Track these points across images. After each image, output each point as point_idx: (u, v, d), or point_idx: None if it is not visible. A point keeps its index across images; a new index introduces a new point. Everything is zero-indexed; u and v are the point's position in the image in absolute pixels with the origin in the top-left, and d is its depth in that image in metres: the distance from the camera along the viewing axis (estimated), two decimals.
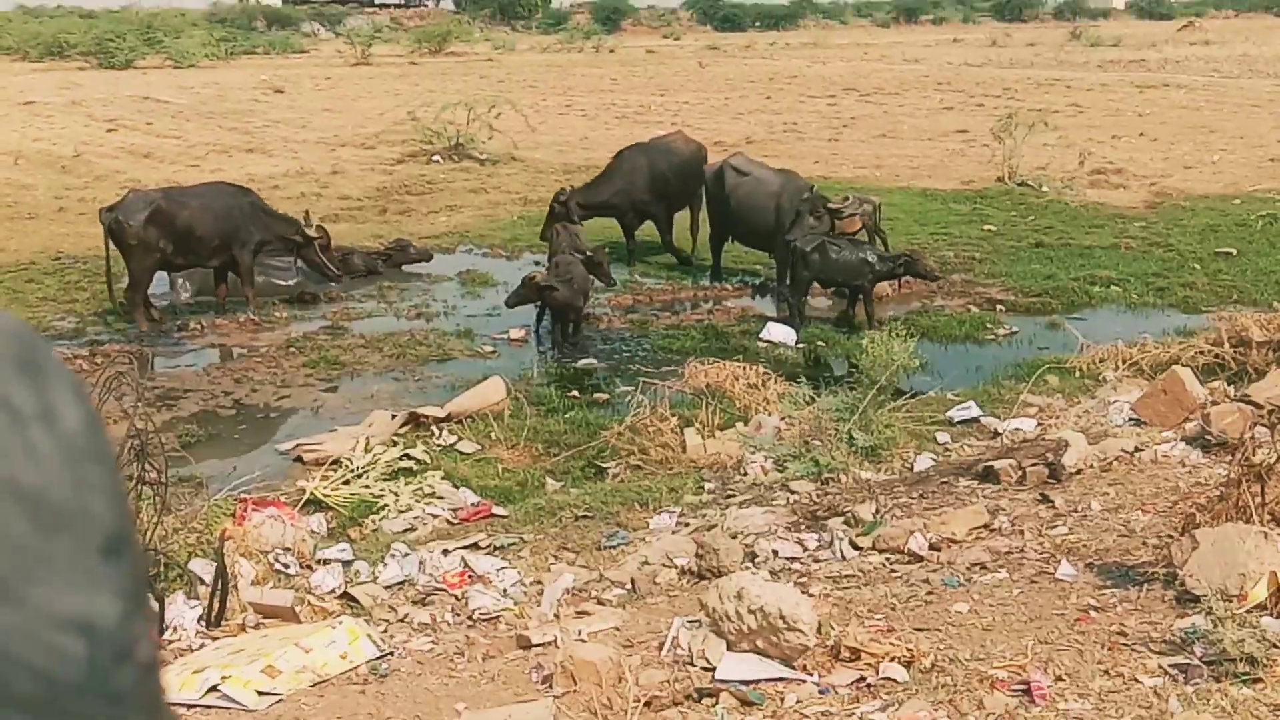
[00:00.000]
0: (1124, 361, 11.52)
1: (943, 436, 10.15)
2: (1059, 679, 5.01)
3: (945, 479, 8.65)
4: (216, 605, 6.91)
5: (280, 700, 5.60)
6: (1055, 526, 7.18)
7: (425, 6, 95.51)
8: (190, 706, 5.61)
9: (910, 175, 22.02)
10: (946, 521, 7.42)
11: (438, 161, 25.05)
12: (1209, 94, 34.73)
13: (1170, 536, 6.33)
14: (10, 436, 0.44)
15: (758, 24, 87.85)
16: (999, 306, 14.76)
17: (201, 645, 6.52)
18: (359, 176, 24.02)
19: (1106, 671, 5.06)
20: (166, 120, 31.92)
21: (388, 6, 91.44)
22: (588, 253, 13.87)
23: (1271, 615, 5.26)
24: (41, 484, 0.43)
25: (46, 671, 0.40)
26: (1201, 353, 11.33)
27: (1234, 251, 16.84)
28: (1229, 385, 10.22)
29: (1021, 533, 7.15)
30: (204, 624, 6.88)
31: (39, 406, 0.46)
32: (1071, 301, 14.89)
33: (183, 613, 6.95)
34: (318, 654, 5.93)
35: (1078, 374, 11.50)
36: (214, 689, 5.71)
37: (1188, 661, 5.05)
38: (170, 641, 6.63)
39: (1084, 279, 15.66)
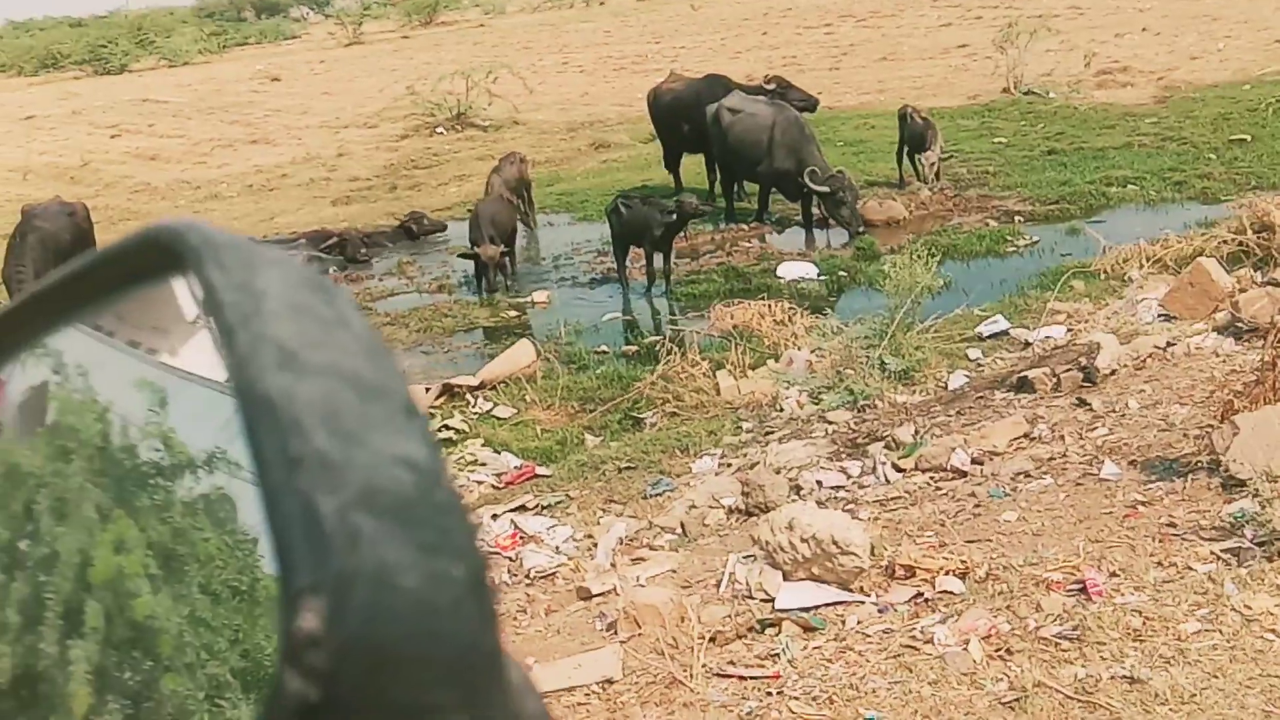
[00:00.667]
0: (1148, 259, 11.50)
1: (974, 353, 10.18)
2: (1113, 575, 5.07)
3: (981, 394, 8.69)
4: None
5: None
6: (1095, 429, 7.21)
7: None
8: None
9: (914, 96, 21.84)
10: (986, 435, 7.46)
11: (441, 133, 25.04)
12: None
13: (1210, 425, 6.36)
14: (325, 336, 0.57)
15: None
16: (1017, 218, 14.72)
17: None
18: (365, 156, 24.05)
19: (1160, 563, 5.12)
20: (168, 120, 31.96)
21: None
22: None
23: None
24: (355, 367, 0.56)
25: (392, 490, 0.53)
26: (1225, 242, 11.30)
27: (1248, 138, 16.71)
28: (1255, 271, 10.20)
29: (1062, 438, 7.18)
30: None
31: (336, 315, 0.59)
32: (1089, 205, 14.84)
33: None
34: None
35: (1103, 276, 11.49)
36: None
37: (1239, 545, 5.10)
38: None
39: (1100, 181, 15.60)
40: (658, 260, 13.58)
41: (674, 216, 13.29)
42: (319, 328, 0.58)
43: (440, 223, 17.24)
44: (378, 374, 0.57)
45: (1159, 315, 9.56)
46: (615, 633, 5.27)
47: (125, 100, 36.71)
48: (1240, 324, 8.44)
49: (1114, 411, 7.44)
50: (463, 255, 14.34)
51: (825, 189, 14.60)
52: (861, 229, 14.57)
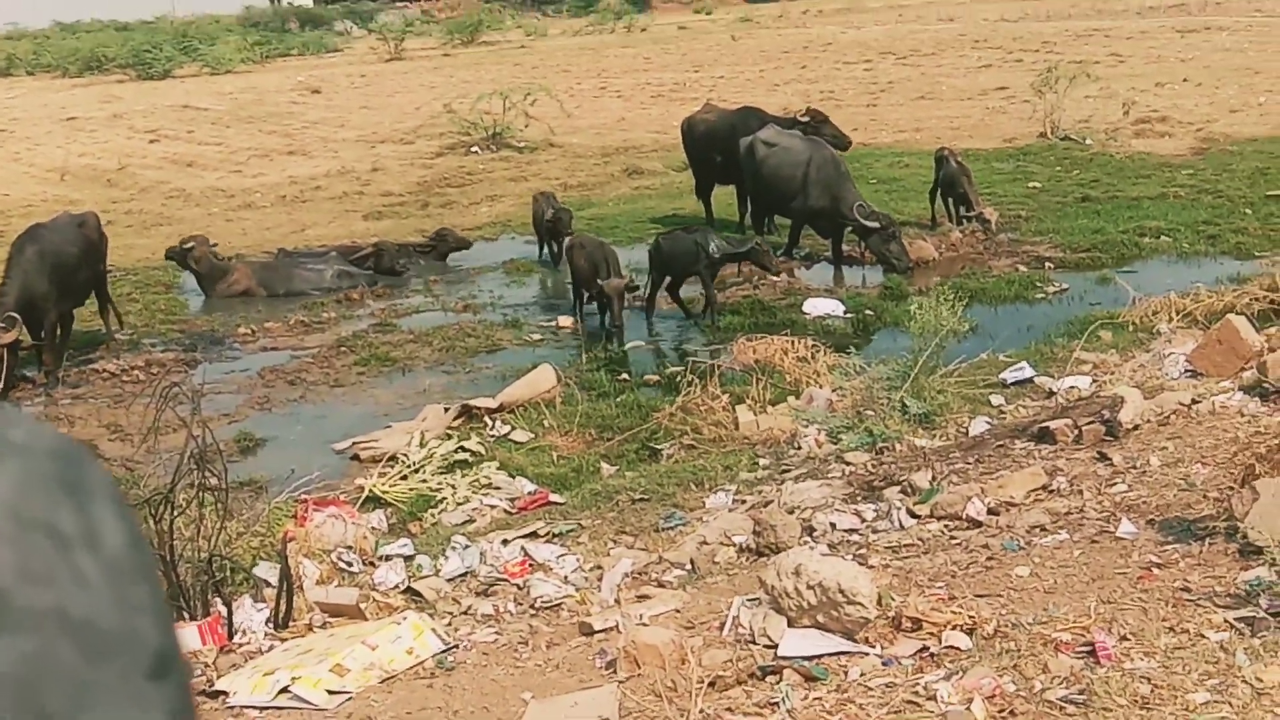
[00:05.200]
0: (1177, 312, 11.39)
1: (997, 399, 10.08)
2: (1124, 638, 4.97)
3: (1001, 442, 8.59)
4: (283, 606, 7.00)
5: (350, 698, 5.67)
6: (1114, 484, 7.11)
7: None
8: (262, 709, 5.70)
9: (951, 136, 21.81)
10: (1004, 485, 7.37)
11: (476, 152, 25.11)
12: (1253, 34, 34.09)
13: (1231, 488, 6.25)
14: (57, 564, 0.43)
15: None
16: (1048, 264, 14.64)
17: (270, 647, 6.60)
18: (399, 172, 24.13)
19: (1172, 628, 5.01)
20: (207, 128, 32.18)
21: None
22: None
23: None
24: (89, 611, 0.43)
25: None
26: (1256, 299, 11.21)
27: None
28: None
29: (1080, 492, 7.09)
30: (272, 626, 6.97)
31: (83, 528, 0.45)
32: (1121, 254, 14.74)
33: (250, 616, 7.05)
34: (384, 650, 6.00)
35: (1131, 328, 11.40)
36: (285, 690, 5.80)
37: (1254, 614, 4.99)
38: (239, 645, 6.73)
39: (1133, 231, 15.50)
40: (684, 291, 13.56)
41: (719, 256, 13.28)
42: (50, 552, 0.44)
43: (464, 239, 17.24)
44: (121, 617, 0.43)
45: (1186, 371, 9.44)
46: (614, 671, 5.21)
47: (166, 105, 36.99)
48: (1267, 385, 8.32)
49: (1134, 468, 7.34)
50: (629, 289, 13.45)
51: (876, 224, 14.55)
52: (911, 266, 14.49)
